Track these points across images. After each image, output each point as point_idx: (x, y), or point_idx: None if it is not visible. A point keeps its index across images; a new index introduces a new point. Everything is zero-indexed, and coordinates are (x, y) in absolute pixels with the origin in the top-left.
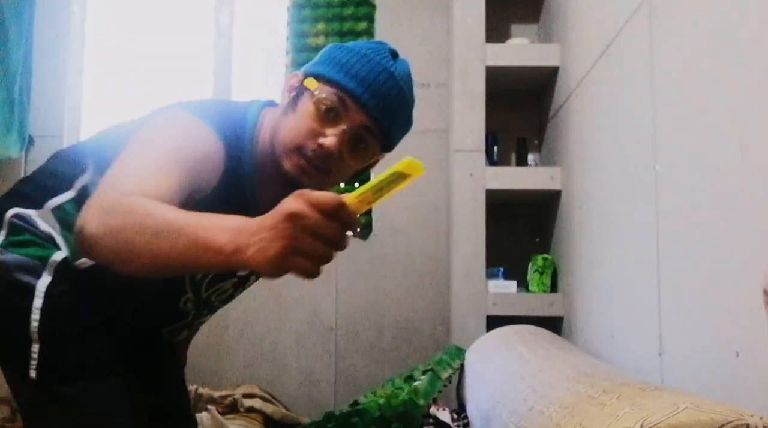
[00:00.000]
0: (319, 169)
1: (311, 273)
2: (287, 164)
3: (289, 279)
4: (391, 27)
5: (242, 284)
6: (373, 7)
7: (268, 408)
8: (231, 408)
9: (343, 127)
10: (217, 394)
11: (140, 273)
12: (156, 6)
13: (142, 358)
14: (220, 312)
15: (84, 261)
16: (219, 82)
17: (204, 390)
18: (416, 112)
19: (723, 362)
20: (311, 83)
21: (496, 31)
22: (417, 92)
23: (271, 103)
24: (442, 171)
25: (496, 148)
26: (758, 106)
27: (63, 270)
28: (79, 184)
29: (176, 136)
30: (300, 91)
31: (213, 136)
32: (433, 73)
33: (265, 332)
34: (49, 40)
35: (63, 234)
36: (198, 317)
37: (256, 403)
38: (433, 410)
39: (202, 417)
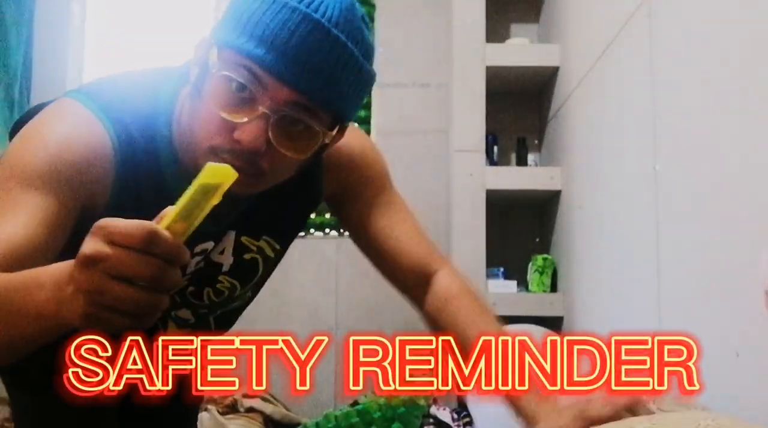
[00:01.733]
0: (245, 172)
1: (129, 326)
2: (201, 162)
3: (290, 280)
4: (391, 27)
5: (206, 282)
6: (372, 7)
7: (268, 408)
8: (231, 408)
9: (262, 109)
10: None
11: None
12: (156, 6)
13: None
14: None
15: None
16: None
17: None
18: (416, 112)
19: (723, 362)
20: (212, 55)
21: (496, 31)
22: (417, 92)
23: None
24: (442, 171)
25: (496, 148)
26: (758, 106)
27: None
28: None
29: (36, 155)
30: (203, 65)
31: (97, 136)
32: (433, 73)
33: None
34: (49, 40)
35: None
36: (172, 308)
37: (256, 403)
38: (433, 410)
39: (202, 417)
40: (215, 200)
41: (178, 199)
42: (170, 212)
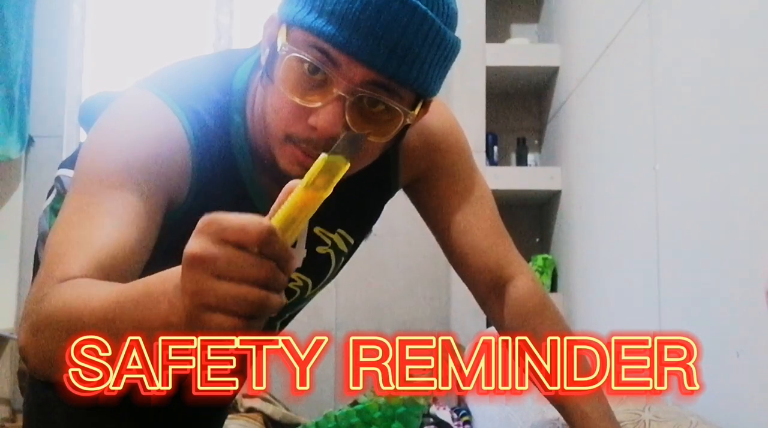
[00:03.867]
0: None
1: (238, 329)
2: (281, 160)
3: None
4: None
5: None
6: None
7: (268, 408)
8: (231, 408)
9: (337, 92)
10: None
11: None
12: (156, 6)
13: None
14: None
15: None
16: None
17: None
18: None
19: (723, 362)
20: (281, 34)
21: (496, 31)
22: None
23: None
24: None
25: (496, 148)
26: (758, 106)
27: None
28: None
29: (116, 154)
30: (272, 46)
31: (172, 128)
32: None
33: None
34: (49, 40)
35: None
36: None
37: (256, 403)
38: (433, 409)
39: None
40: (320, 201)
41: (254, 194)
42: (279, 214)
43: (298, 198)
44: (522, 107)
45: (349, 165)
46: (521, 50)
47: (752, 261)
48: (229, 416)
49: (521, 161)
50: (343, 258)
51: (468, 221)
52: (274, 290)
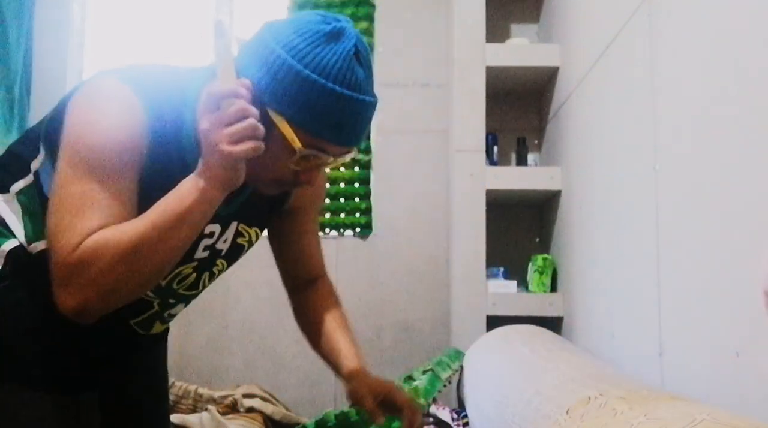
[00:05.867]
0: (291, 187)
1: (257, 147)
2: (262, 189)
3: None
4: (391, 27)
5: (207, 268)
6: (373, 7)
7: (268, 408)
8: (231, 408)
9: (325, 162)
10: (217, 394)
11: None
12: (156, 6)
13: (109, 353)
14: (219, 311)
15: (36, 246)
16: None
17: (204, 390)
18: (416, 112)
19: (723, 362)
20: (285, 127)
21: (496, 31)
22: (417, 92)
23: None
24: (442, 171)
25: (496, 148)
26: (758, 106)
27: (13, 260)
28: (33, 166)
29: (92, 138)
30: (266, 125)
31: (134, 108)
32: (433, 73)
33: (265, 332)
34: (49, 40)
35: (23, 219)
36: (166, 307)
37: (256, 403)
38: (433, 409)
39: (202, 417)
40: None
41: (192, 164)
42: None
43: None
44: (522, 107)
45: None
46: (521, 50)
47: (752, 261)
48: (229, 416)
49: (521, 161)
50: (250, 247)
51: (312, 238)
52: (245, 114)
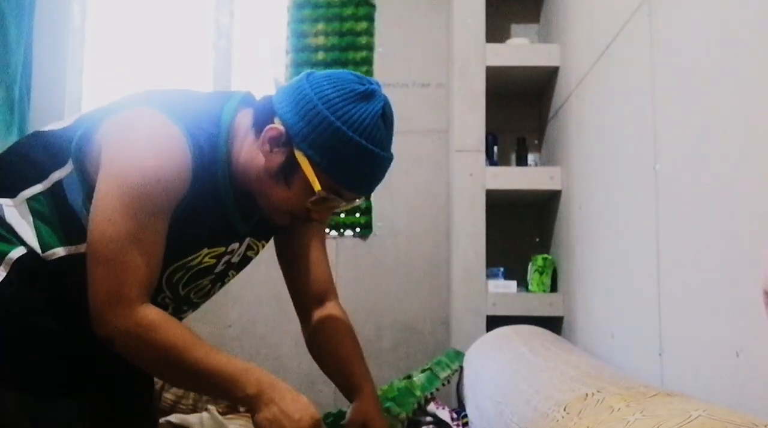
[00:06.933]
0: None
1: None
2: (275, 219)
3: None
4: (391, 27)
5: (220, 279)
6: (373, 7)
7: None
8: (231, 408)
9: (339, 205)
10: None
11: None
12: (156, 6)
13: (118, 358)
14: (219, 311)
15: (53, 253)
16: (219, 82)
17: None
18: (416, 112)
19: (723, 362)
20: (308, 169)
21: (496, 31)
22: (417, 92)
23: (247, 98)
24: (442, 171)
25: (496, 148)
26: (758, 106)
27: (21, 268)
28: (54, 177)
29: (143, 174)
30: (292, 164)
31: (181, 145)
32: (433, 73)
33: (265, 332)
34: (49, 40)
35: (35, 225)
36: (178, 313)
37: None
38: (432, 408)
39: (202, 417)
40: None
41: (228, 203)
42: None
43: None
44: (522, 107)
45: None
46: (521, 50)
47: (752, 261)
48: (229, 416)
49: (521, 161)
50: (255, 257)
51: (318, 254)
52: None
